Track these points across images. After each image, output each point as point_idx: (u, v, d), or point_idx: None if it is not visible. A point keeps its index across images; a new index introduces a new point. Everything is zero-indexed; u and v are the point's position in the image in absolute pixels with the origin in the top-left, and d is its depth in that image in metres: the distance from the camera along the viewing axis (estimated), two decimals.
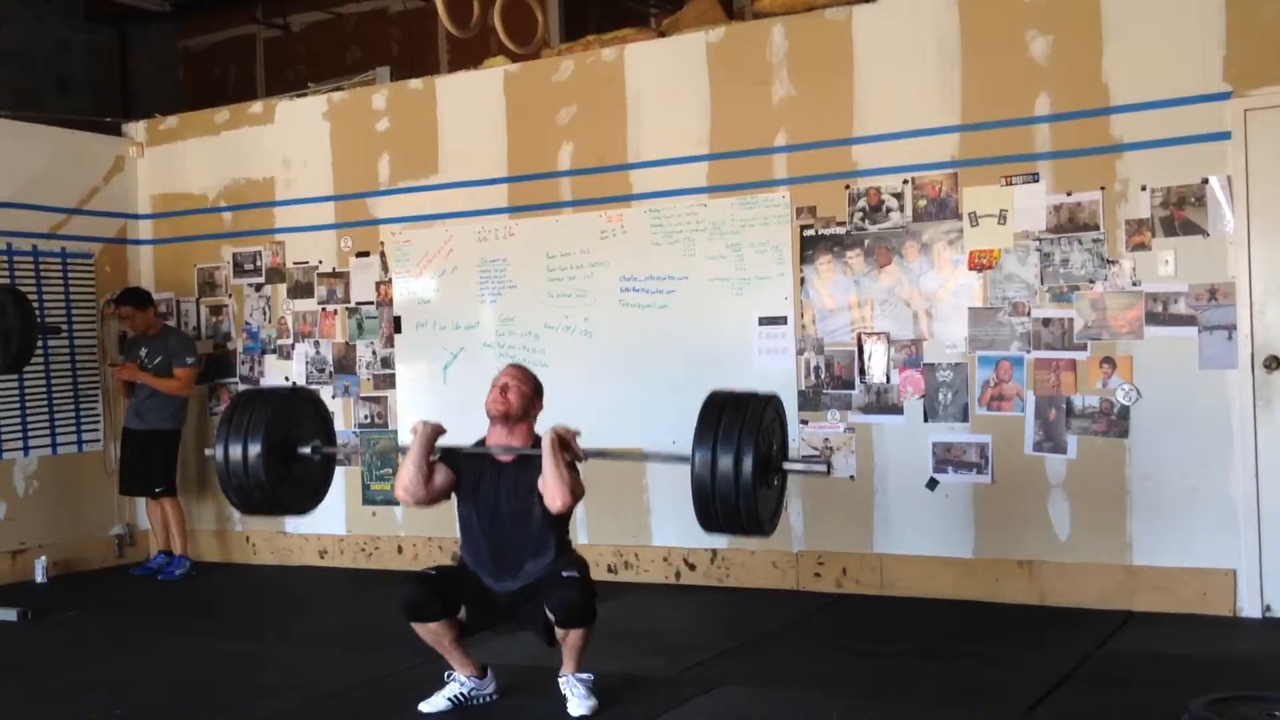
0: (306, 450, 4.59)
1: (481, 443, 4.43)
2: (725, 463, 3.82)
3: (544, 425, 4.35)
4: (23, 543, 7.30)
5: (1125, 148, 5.53)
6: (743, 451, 3.81)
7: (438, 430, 4.35)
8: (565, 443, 4.23)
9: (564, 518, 4.33)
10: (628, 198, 6.60)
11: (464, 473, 4.37)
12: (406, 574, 4.36)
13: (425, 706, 4.30)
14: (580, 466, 4.31)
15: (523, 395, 4.38)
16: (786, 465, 4.14)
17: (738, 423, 3.86)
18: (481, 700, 4.37)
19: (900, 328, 5.99)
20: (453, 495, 4.40)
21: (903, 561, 5.99)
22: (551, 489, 4.18)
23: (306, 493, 4.75)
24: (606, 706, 4.25)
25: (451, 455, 4.39)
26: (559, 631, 4.18)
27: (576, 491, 4.22)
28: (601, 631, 4.35)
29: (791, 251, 6.18)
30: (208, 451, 4.67)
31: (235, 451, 4.43)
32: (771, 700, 4.43)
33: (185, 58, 10.92)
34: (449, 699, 4.31)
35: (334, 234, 7.43)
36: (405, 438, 7.02)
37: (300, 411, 4.70)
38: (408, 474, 4.29)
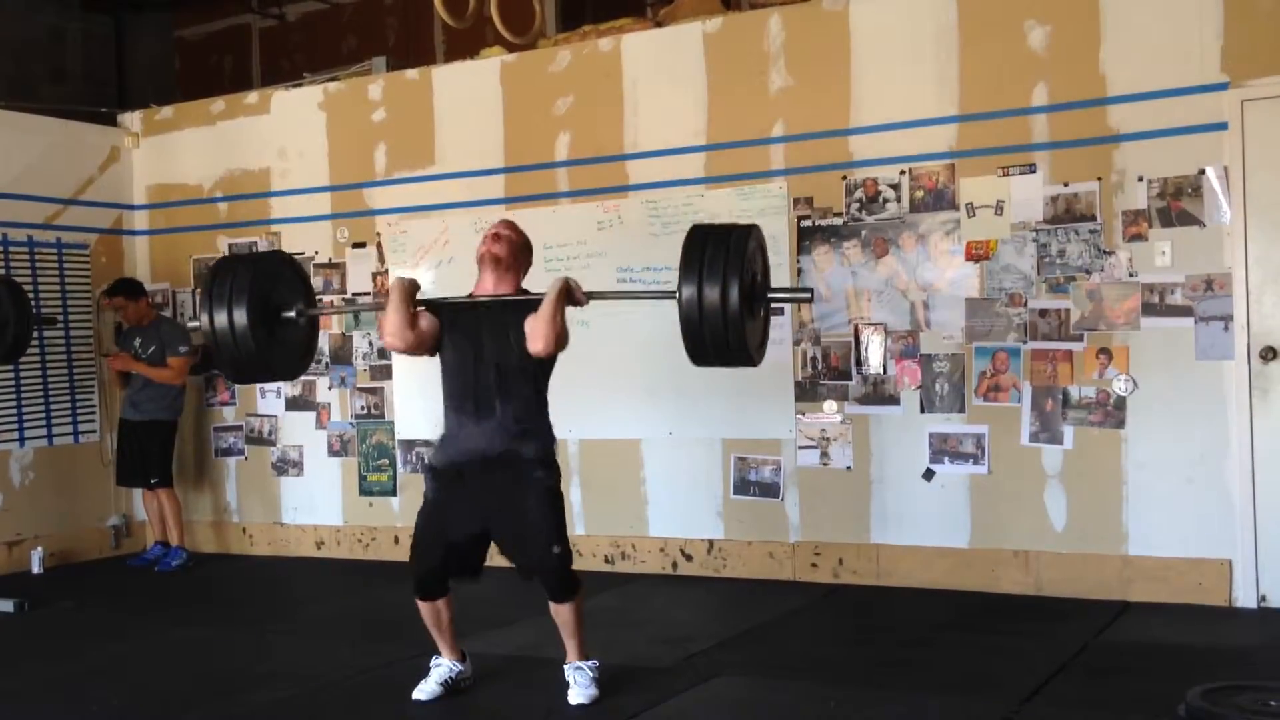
0: (291, 314, 4.53)
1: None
2: (712, 295, 3.83)
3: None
4: (19, 534, 7.30)
5: (1122, 138, 5.53)
6: (729, 283, 3.83)
7: (414, 284, 4.41)
8: (572, 294, 4.28)
9: (543, 371, 4.35)
10: (625, 188, 6.59)
11: (445, 318, 4.40)
12: (419, 555, 4.36)
13: (419, 694, 4.39)
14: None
15: (513, 244, 4.45)
16: (771, 295, 4.19)
17: (721, 255, 3.87)
18: (465, 684, 4.49)
19: (897, 318, 5.99)
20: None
21: (899, 552, 6.00)
22: (541, 327, 4.20)
23: (294, 355, 4.69)
24: (604, 696, 4.27)
25: (434, 304, 4.45)
26: (551, 606, 4.30)
27: (562, 339, 4.26)
28: (600, 621, 4.37)
29: (788, 242, 6.17)
30: (192, 323, 4.61)
31: (220, 319, 4.34)
32: (768, 690, 4.44)
33: (180, 48, 10.88)
34: (440, 683, 4.41)
35: (330, 224, 7.41)
36: (401, 431, 7.16)
37: (278, 273, 4.62)
38: (392, 319, 4.32)
